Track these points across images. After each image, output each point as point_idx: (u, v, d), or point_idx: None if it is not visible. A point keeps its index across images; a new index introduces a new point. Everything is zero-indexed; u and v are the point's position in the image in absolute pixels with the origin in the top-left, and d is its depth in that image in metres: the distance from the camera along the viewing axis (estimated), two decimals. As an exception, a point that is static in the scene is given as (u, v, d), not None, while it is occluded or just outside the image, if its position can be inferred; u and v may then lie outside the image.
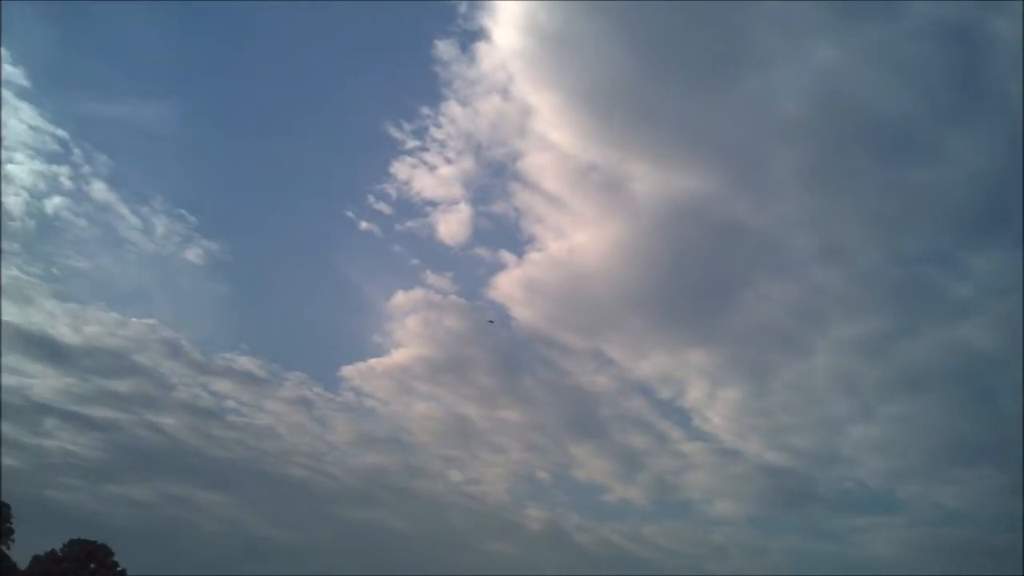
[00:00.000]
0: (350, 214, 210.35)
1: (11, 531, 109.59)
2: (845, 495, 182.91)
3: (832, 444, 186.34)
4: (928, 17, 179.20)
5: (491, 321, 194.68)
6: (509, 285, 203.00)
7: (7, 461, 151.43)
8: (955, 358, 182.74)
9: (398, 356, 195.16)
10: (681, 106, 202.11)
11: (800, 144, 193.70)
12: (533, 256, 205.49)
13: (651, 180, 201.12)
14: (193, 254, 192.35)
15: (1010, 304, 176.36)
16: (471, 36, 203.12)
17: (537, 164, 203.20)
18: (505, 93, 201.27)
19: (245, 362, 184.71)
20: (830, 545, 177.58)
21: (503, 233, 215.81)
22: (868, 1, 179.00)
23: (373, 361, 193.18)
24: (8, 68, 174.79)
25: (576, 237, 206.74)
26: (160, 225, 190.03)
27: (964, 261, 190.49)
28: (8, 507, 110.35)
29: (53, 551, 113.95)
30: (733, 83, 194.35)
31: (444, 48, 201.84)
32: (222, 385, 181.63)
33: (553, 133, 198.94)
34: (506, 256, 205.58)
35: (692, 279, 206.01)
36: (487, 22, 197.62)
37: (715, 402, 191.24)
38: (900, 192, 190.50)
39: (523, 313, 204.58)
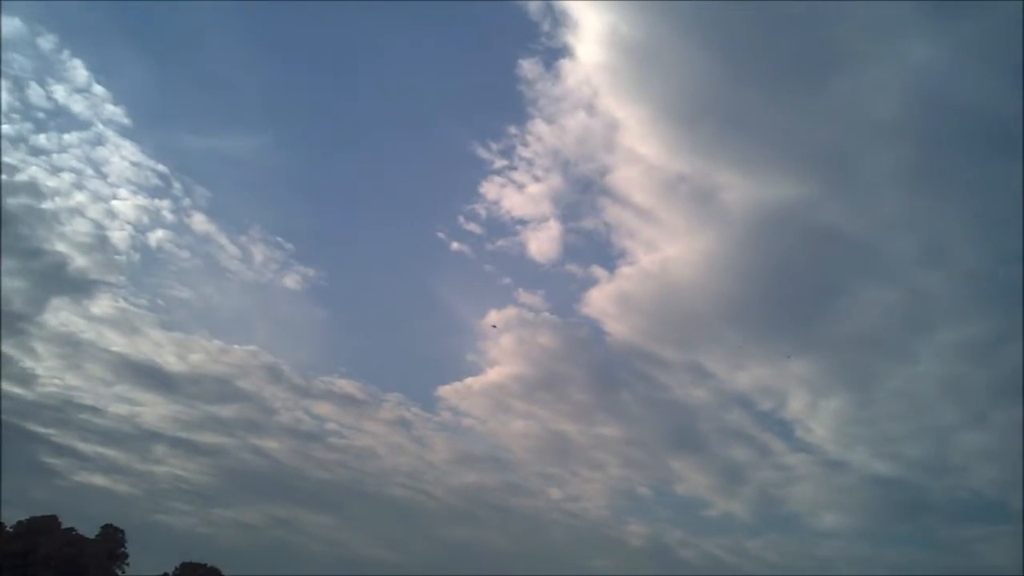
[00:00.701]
0: (441, 235, 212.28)
1: (125, 555, 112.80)
2: (958, 504, 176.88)
3: (942, 452, 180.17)
4: None
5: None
6: (602, 300, 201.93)
7: (120, 488, 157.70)
8: None
9: (493, 375, 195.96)
10: (770, 111, 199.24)
11: (895, 145, 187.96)
12: (625, 270, 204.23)
13: (742, 189, 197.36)
14: (291, 280, 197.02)
15: None
16: (555, 53, 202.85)
17: (625, 178, 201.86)
18: (591, 108, 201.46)
19: (344, 385, 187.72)
20: (944, 556, 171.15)
21: (594, 248, 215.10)
22: None
23: (469, 380, 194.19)
24: (110, 107, 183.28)
25: (668, 250, 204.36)
26: (258, 253, 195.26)
27: None
28: (122, 532, 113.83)
29: (165, 574, 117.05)
30: (822, 85, 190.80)
31: (528, 67, 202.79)
32: (323, 408, 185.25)
33: (640, 146, 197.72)
34: (598, 271, 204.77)
35: (789, 287, 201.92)
36: (570, 39, 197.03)
37: (818, 412, 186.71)
38: (1002, 189, 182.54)
39: (617, 328, 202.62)
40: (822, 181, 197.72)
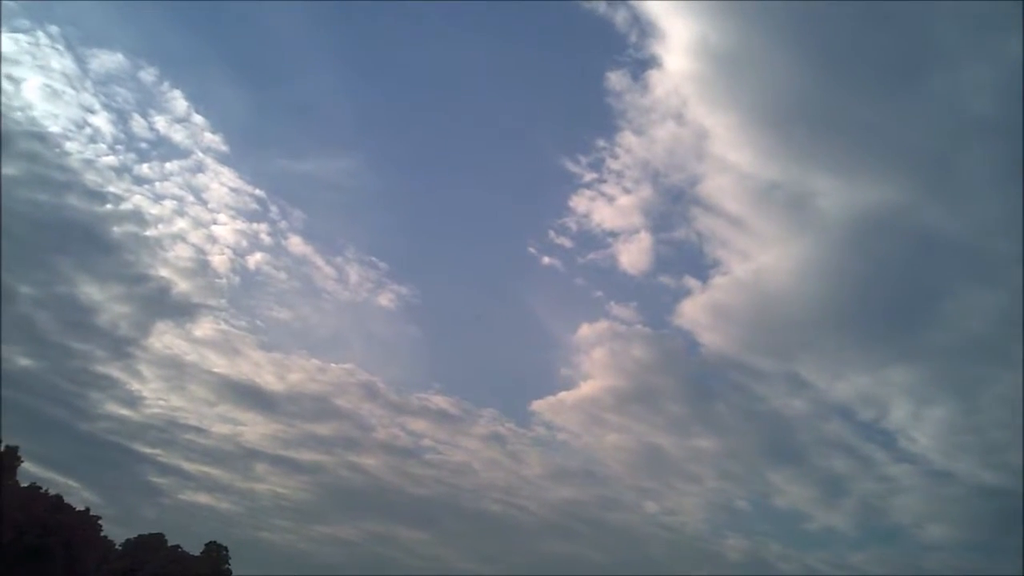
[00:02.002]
0: (532, 250, 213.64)
1: (229, 571, 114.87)
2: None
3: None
4: None
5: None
6: (695, 311, 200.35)
7: (223, 505, 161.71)
8: None
9: (587, 388, 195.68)
10: (863, 114, 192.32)
11: (994, 143, 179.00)
12: (718, 280, 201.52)
13: (837, 194, 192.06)
14: (385, 299, 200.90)
15: None
16: (642, 65, 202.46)
17: (717, 187, 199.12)
18: (679, 118, 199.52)
19: (439, 401, 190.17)
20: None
21: (686, 259, 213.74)
22: None
23: (563, 394, 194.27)
24: (208, 135, 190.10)
25: (761, 258, 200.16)
26: (353, 273, 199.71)
27: None
28: (226, 549, 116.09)
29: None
30: (918, 85, 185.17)
31: (616, 79, 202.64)
32: (418, 424, 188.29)
33: (731, 154, 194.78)
34: (690, 282, 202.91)
35: (888, 293, 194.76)
36: (658, 49, 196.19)
37: (921, 421, 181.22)
38: None
39: (711, 339, 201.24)
40: (921, 183, 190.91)
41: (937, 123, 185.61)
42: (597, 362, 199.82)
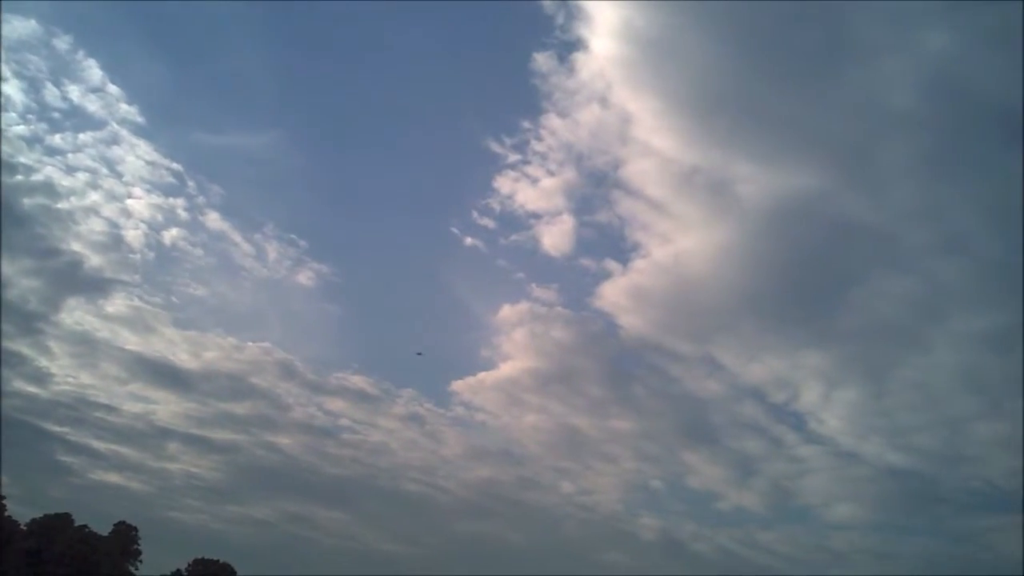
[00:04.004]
0: (455, 230, 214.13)
1: (139, 552, 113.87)
2: (972, 495, 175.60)
3: (957, 443, 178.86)
4: None
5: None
6: (615, 294, 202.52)
7: (134, 485, 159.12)
8: None
9: (507, 369, 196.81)
10: (786, 103, 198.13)
11: (912, 135, 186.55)
12: (638, 264, 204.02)
13: (757, 180, 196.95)
14: (304, 277, 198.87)
15: None
16: (569, 47, 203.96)
17: (639, 171, 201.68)
18: (604, 102, 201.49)
19: (358, 381, 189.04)
20: (960, 547, 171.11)
21: (607, 242, 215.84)
22: None
23: (482, 375, 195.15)
24: (124, 106, 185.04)
25: (682, 242, 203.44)
26: (272, 250, 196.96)
27: None
28: (135, 529, 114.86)
29: (178, 571, 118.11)
30: (839, 76, 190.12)
31: (542, 60, 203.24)
32: (336, 404, 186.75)
33: (654, 139, 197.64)
34: (611, 265, 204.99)
35: (804, 279, 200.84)
36: (584, 32, 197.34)
37: (831, 404, 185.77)
38: (1020, 177, 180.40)
39: (630, 321, 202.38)
40: (839, 172, 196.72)
41: (855, 114, 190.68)
42: (518, 343, 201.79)
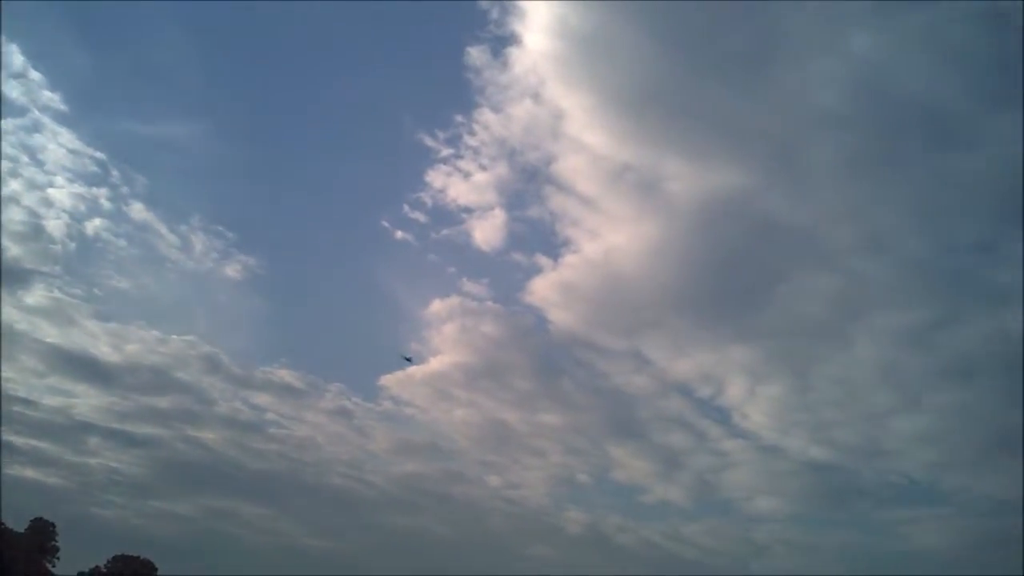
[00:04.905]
0: (386, 224, 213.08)
1: (56, 549, 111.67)
2: (891, 488, 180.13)
3: (876, 437, 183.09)
4: (968, 1, 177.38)
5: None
6: (545, 289, 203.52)
7: (52, 480, 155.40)
8: (1001, 346, 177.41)
9: (436, 364, 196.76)
10: (715, 102, 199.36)
11: (838, 135, 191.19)
12: (569, 259, 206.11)
13: (687, 178, 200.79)
14: (231, 270, 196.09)
15: None
16: (503, 41, 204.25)
17: (571, 167, 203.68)
18: (537, 97, 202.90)
19: (284, 375, 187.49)
20: (877, 539, 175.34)
21: (538, 237, 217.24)
22: None
23: (411, 369, 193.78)
24: (46, 93, 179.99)
25: (612, 238, 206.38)
26: (198, 242, 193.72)
27: (1008, 248, 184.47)
28: (53, 525, 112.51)
29: (97, 567, 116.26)
30: (768, 76, 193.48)
31: (476, 54, 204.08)
32: (262, 398, 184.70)
33: (586, 135, 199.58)
34: (542, 260, 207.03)
35: (731, 275, 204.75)
36: (518, 27, 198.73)
37: (755, 399, 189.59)
38: (943, 180, 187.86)
39: (560, 316, 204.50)
40: (766, 170, 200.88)
41: (783, 113, 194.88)
42: (447, 338, 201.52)
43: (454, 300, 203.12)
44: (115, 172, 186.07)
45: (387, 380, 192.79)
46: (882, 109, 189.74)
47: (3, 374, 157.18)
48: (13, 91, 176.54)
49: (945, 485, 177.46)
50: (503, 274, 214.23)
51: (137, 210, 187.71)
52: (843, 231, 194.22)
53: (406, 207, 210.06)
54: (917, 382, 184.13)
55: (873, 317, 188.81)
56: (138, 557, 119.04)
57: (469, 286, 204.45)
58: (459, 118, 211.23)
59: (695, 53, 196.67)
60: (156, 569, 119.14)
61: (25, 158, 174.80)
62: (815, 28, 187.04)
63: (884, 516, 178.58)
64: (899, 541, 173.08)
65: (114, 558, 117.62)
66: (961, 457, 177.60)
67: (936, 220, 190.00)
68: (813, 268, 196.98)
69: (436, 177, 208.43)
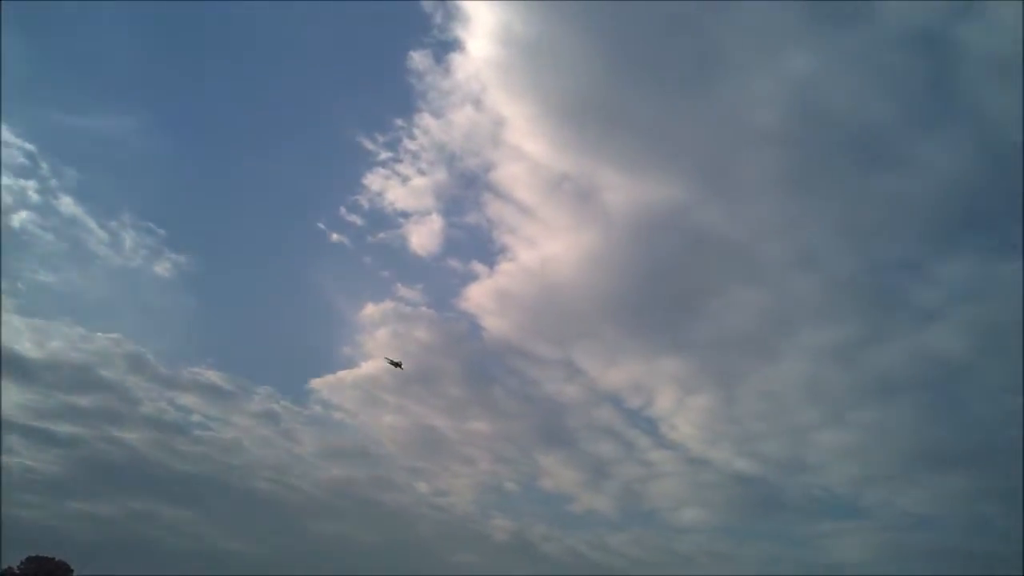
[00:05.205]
0: (321, 226, 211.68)
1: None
2: (813, 502, 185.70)
3: (800, 451, 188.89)
4: (901, 26, 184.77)
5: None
6: (480, 296, 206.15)
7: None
8: (923, 364, 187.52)
9: (368, 368, 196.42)
10: (655, 115, 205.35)
11: (774, 152, 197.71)
12: (505, 267, 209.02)
13: (624, 189, 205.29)
14: (161, 268, 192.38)
15: (976, 310, 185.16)
16: (446, 47, 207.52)
17: (510, 174, 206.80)
18: (478, 104, 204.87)
19: (212, 376, 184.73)
20: (798, 551, 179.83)
21: (475, 244, 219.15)
22: (843, 11, 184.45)
23: (342, 373, 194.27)
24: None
25: (548, 247, 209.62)
26: (128, 239, 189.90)
27: (933, 268, 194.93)
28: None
29: (10, 568, 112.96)
30: (707, 92, 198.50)
31: (419, 59, 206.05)
32: (188, 399, 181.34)
33: (526, 143, 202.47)
34: (478, 267, 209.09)
35: (665, 287, 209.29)
36: (462, 32, 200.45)
37: (684, 410, 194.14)
38: (873, 199, 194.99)
39: (494, 324, 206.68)
40: (702, 184, 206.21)
41: (720, 129, 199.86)
42: (380, 342, 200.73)
43: (388, 305, 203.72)
44: (44, 164, 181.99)
45: (317, 383, 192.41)
46: (816, 128, 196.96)
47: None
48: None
49: (865, 499, 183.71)
50: (438, 280, 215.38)
51: (66, 204, 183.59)
52: (775, 247, 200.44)
53: (343, 209, 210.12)
54: (841, 398, 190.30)
55: (801, 333, 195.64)
56: (53, 559, 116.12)
57: (404, 291, 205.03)
58: (399, 122, 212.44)
59: (637, 67, 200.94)
60: (72, 571, 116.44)
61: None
62: (754, 47, 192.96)
63: (806, 529, 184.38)
64: (820, 554, 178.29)
65: (28, 559, 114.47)
66: (881, 472, 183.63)
67: (864, 238, 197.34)
68: (745, 282, 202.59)
69: (374, 180, 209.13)
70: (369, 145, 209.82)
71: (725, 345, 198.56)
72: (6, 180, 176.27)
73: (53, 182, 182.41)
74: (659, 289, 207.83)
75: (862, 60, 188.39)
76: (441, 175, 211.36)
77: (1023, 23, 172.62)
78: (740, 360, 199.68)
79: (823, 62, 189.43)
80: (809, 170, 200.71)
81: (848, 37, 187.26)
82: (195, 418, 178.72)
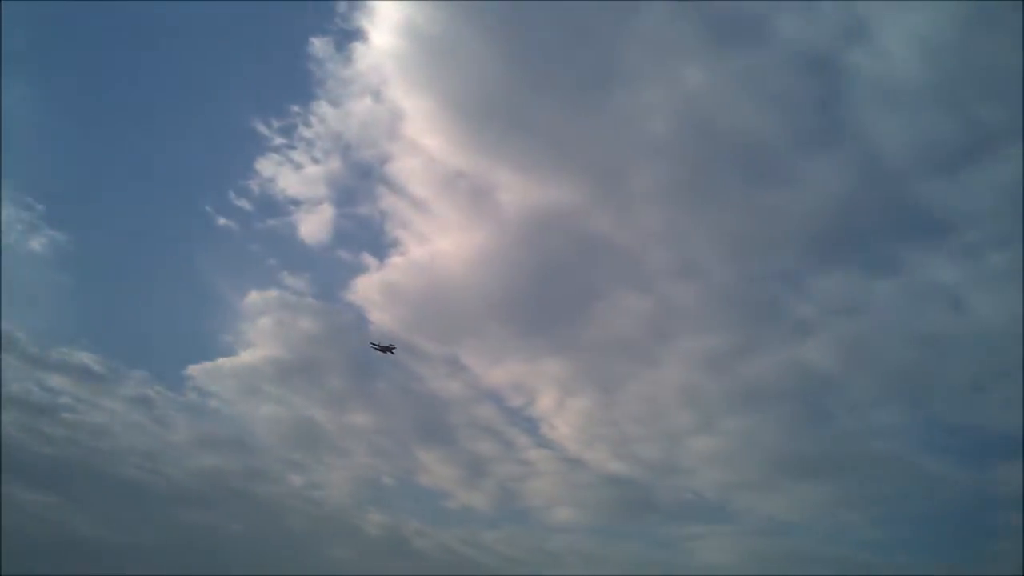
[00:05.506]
0: (208, 209, 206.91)
1: None
2: (682, 505, 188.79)
3: (673, 455, 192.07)
4: (794, 49, 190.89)
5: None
6: (368, 288, 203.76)
7: None
8: (794, 375, 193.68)
9: (248, 356, 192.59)
10: (552, 119, 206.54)
11: (665, 162, 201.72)
12: (395, 260, 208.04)
13: (518, 190, 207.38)
14: (37, 243, 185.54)
15: (847, 325, 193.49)
16: (348, 36, 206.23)
17: (405, 168, 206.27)
18: (378, 95, 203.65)
19: (84, 357, 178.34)
20: (665, 553, 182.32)
21: (366, 236, 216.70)
22: (739, 30, 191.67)
23: (222, 361, 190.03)
24: None
25: (440, 243, 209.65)
26: (3, 212, 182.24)
27: (809, 282, 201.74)
28: None
29: None
30: (605, 100, 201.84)
31: (320, 46, 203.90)
32: (57, 380, 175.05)
33: (424, 138, 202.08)
34: (368, 259, 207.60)
35: (553, 289, 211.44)
36: (365, 22, 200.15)
37: (564, 411, 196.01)
38: (757, 214, 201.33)
39: (381, 317, 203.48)
40: (594, 190, 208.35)
41: (615, 137, 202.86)
42: (262, 331, 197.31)
43: (273, 293, 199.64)
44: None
45: (194, 370, 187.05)
46: (706, 142, 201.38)
47: None
48: None
49: (732, 504, 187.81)
50: (326, 270, 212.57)
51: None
52: (660, 255, 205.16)
53: (232, 194, 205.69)
54: (714, 405, 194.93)
55: (680, 340, 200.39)
56: None
57: (290, 280, 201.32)
58: (296, 108, 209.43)
59: (538, 71, 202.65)
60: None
61: None
62: (652, 59, 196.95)
63: (673, 531, 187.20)
64: (684, 556, 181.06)
65: None
66: (747, 478, 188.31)
67: (746, 251, 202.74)
68: (629, 288, 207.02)
69: (266, 166, 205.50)
70: (263, 130, 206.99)
71: (607, 349, 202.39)
72: None
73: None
74: (546, 291, 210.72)
75: (755, 79, 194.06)
76: (335, 164, 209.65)
77: (910, 51, 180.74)
78: (621, 364, 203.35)
79: (717, 78, 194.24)
80: (697, 182, 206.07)
81: (742, 56, 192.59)
82: (63, 400, 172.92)
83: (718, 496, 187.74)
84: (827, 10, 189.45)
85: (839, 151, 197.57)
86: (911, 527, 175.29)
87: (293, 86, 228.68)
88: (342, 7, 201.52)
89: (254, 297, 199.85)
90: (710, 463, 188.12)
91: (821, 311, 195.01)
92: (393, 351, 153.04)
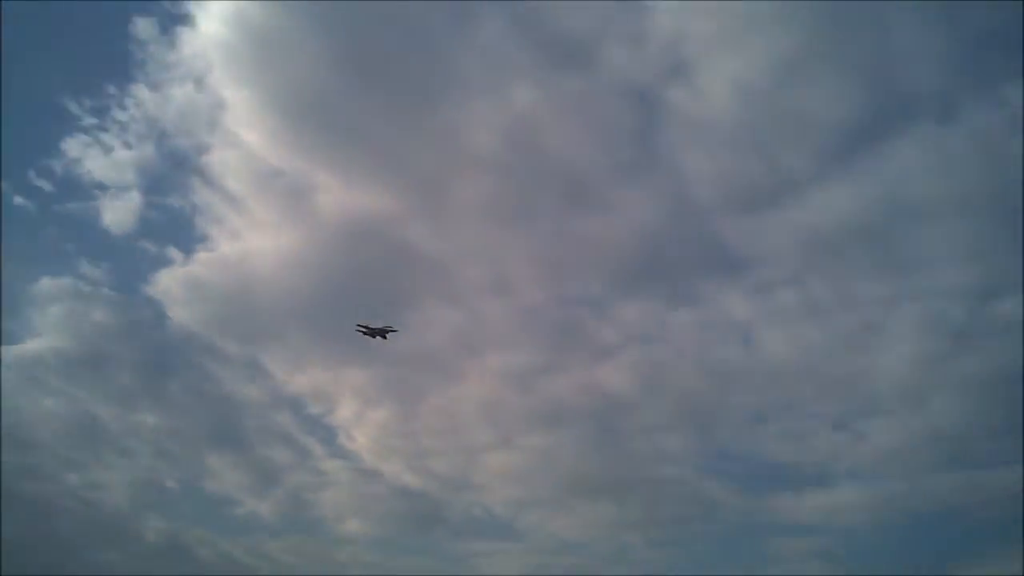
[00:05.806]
0: (3, 185, 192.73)
1: None
2: (471, 520, 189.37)
3: (468, 470, 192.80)
4: (619, 79, 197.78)
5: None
6: (171, 283, 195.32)
7: None
8: (591, 397, 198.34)
9: (32, 346, 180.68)
10: (379, 124, 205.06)
11: (487, 178, 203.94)
12: (203, 256, 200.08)
13: (337, 193, 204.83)
14: None
15: (645, 352, 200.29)
16: (175, 19, 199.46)
17: (223, 161, 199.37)
18: (200, 83, 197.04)
19: None
20: (450, 567, 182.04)
21: (174, 228, 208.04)
22: (569, 56, 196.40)
23: (3, 348, 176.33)
24: None
25: (252, 241, 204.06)
26: None
27: (613, 309, 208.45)
28: None
29: None
30: (433, 111, 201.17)
31: (144, 27, 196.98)
32: None
33: (244, 132, 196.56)
34: (173, 252, 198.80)
35: (365, 297, 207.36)
36: (194, 8, 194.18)
37: (363, 422, 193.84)
38: (570, 237, 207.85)
39: (181, 313, 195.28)
40: (415, 200, 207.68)
41: (439, 149, 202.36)
42: (51, 320, 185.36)
43: (67, 281, 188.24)
44: None
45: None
46: (528, 162, 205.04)
47: None
48: None
49: (521, 521, 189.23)
50: (128, 261, 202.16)
51: None
52: (474, 270, 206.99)
53: (32, 172, 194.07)
54: (513, 422, 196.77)
55: (486, 355, 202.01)
56: None
57: (87, 268, 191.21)
58: (111, 89, 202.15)
59: (368, 76, 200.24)
60: None
61: None
62: (484, 73, 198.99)
63: (461, 546, 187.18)
64: (471, 571, 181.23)
65: None
66: (538, 496, 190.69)
67: (557, 273, 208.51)
68: (441, 301, 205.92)
69: (73, 146, 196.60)
70: (74, 108, 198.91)
71: (413, 361, 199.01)
72: None
73: None
74: (357, 298, 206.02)
75: (581, 104, 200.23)
76: (148, 151, 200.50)
77: (726, 93, 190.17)
78: (425, 377, 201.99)
79: (545, 99, 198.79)
80: (517, 201, 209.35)
81: (570, 80, 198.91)
82: None
83: (507, 513, 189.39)
84: (653, 46, 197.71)
85: (652, 183, 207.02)
86: (687, 550, 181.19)
87: (111, 66, 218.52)
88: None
89: (46, 283, 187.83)
90: (503, 480, 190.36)
91: (622, 337, 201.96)
92: (385, 336, 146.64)
